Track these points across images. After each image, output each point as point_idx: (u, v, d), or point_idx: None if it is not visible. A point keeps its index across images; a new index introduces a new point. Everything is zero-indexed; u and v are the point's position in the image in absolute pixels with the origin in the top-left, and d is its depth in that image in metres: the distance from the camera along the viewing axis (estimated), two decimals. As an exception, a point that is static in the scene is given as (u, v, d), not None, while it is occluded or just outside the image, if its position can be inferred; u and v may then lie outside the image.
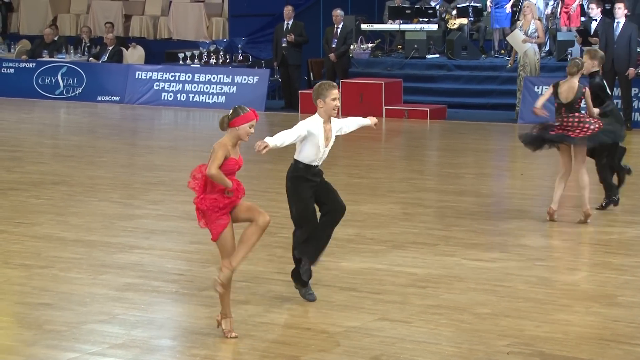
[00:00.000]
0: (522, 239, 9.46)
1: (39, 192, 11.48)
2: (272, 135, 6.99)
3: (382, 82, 18.30)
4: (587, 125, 9.76)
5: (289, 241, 9.27)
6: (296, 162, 7.27)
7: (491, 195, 11.73)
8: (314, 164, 7.26)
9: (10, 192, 11.53)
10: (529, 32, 17.06)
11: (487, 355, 6.35)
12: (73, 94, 20.59)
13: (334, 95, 7.17)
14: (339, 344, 6.56)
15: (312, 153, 7.21)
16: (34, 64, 21.04)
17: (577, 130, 9.77)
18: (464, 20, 20.07)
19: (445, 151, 15.27)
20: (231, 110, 6.60)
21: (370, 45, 20.34)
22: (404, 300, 7.50)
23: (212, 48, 20.61)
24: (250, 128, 6.57)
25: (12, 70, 21.23)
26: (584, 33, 17.17)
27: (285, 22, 19.49)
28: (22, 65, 21.15)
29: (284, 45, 19.32)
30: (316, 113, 7.26)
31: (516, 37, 17.09)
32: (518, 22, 17.66)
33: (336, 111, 7.23)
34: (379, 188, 11.90)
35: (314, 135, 7.15)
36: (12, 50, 22.25)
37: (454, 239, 9.39)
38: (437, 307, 7.33)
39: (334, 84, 7.29)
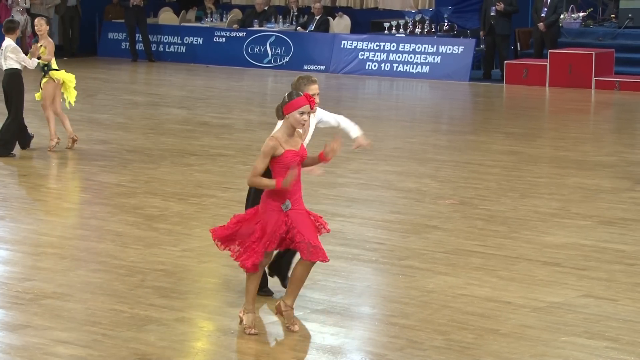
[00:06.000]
0: None
1: (246, 158, 11.79)
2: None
3: (593, 53, 17.69)
4: None
5: (491, 213, 9.17)
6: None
7: None
8: None
9: (220, 158, 11.92)
10: None
11: (698, 340, 6.06)
12: (280, 62, 21.03)
13: (313, 91, 6.27)
14: (540, 319, 6.42)
15: None
16: (244, 33, 21.61)
17: None
18: (685, -13, 19.06)
19: (658, 125, 14.63)
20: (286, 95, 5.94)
21: (581, 14, 19.68)
22: (610, 278, 7.26)
23: (417, 17, 20.51)
24: (301, 115, 5.89)
25: (223, 39, 21.89)
26: None
27: (495, -9, 19.13)
28: (233, 34, 21.77)
29: (492, 14, 18.98)
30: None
31: None
32: None
33: (315, 109, 6.31)
34: (586, 162, 11.53)
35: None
36: (224, 20, 22.94)
37: (666, 217, 8.98)
38: (646, 287, 7.05)
39: (314, 78, 6.43)
